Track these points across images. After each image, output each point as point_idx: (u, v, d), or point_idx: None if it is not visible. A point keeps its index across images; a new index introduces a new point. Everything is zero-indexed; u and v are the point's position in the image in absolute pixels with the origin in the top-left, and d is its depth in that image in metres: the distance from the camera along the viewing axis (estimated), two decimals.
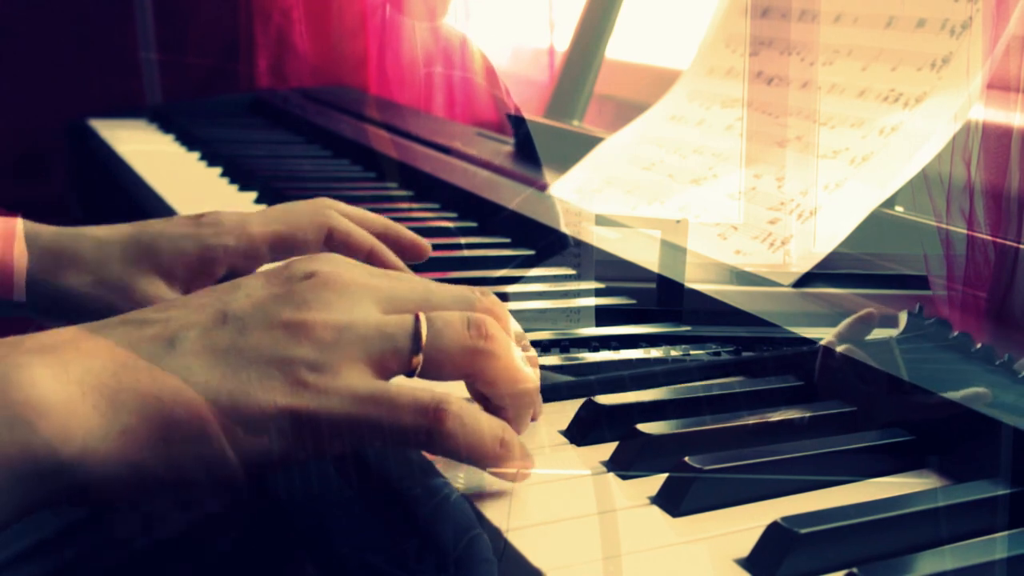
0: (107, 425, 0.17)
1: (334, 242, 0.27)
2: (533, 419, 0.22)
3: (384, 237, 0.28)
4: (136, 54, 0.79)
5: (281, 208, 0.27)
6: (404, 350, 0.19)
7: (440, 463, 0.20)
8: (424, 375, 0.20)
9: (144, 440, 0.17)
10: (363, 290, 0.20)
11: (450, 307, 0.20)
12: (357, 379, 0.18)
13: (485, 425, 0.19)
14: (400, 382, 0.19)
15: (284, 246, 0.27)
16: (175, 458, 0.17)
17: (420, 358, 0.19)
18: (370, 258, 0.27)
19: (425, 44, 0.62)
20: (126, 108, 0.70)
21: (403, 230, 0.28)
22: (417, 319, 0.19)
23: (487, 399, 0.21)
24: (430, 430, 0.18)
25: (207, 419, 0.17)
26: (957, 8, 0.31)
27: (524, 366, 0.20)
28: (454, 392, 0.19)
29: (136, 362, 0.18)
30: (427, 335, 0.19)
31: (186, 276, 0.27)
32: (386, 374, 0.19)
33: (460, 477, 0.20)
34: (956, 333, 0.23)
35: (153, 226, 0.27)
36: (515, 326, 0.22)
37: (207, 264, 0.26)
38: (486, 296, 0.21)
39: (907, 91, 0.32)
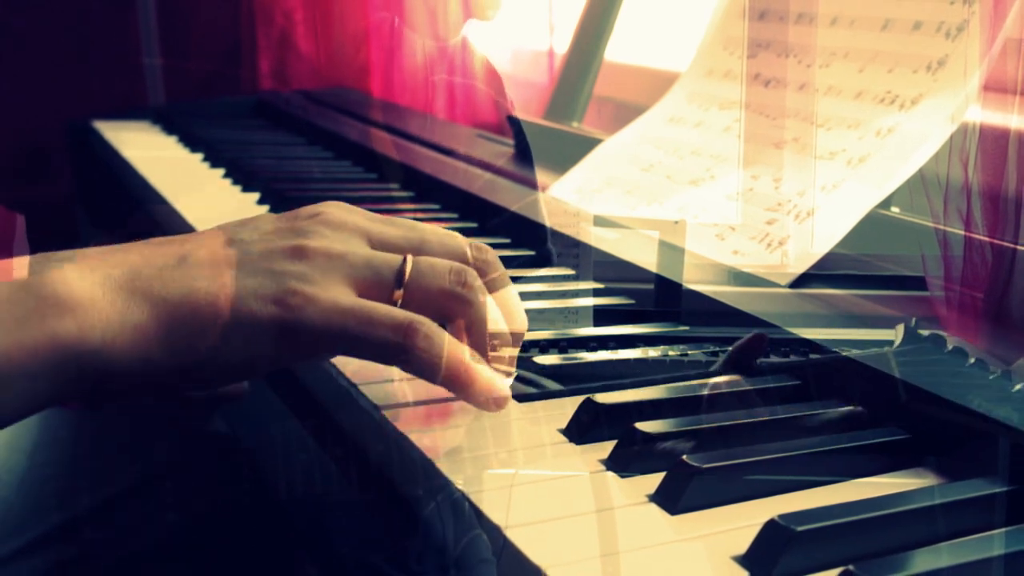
0: (122, 320, 0.19)
1: None
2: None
3: None
4: (139, 56, 0.79)
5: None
6: (387, 283, 0.21)
7: (441, 463, 0.21)
8: (405, 309, 0.21)
9: (153, 335, 0.20)
10: (361, 230, 0.22)
11: (441, 255, 0.22)
12: (341, 295, 0.21)
13: (454, 350, 0.21)
14: None
15: None
16: (179, 353, 0.20)
17: (401, 292, 0.21)
18: None
19: (426, 47, 0.63)
20: (129, 109, 0.70)
21: None
22: (404, 259, 0.21)
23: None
24: (402, 345, 0.20)
25: (207, 319, 0.20)
26: (953, 11, 0.32)
27: (497, 315, 0.22)
28: None
29: (151, 271, 0.20)
30: (410, 274, 0.21)
31: None
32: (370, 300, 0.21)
33: (460, 477, 0.20)
34: (951, 347, 0.23)
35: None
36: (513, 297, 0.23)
37: None
38: (481, 251, 0.23)
39: (903, 93, 0.32)
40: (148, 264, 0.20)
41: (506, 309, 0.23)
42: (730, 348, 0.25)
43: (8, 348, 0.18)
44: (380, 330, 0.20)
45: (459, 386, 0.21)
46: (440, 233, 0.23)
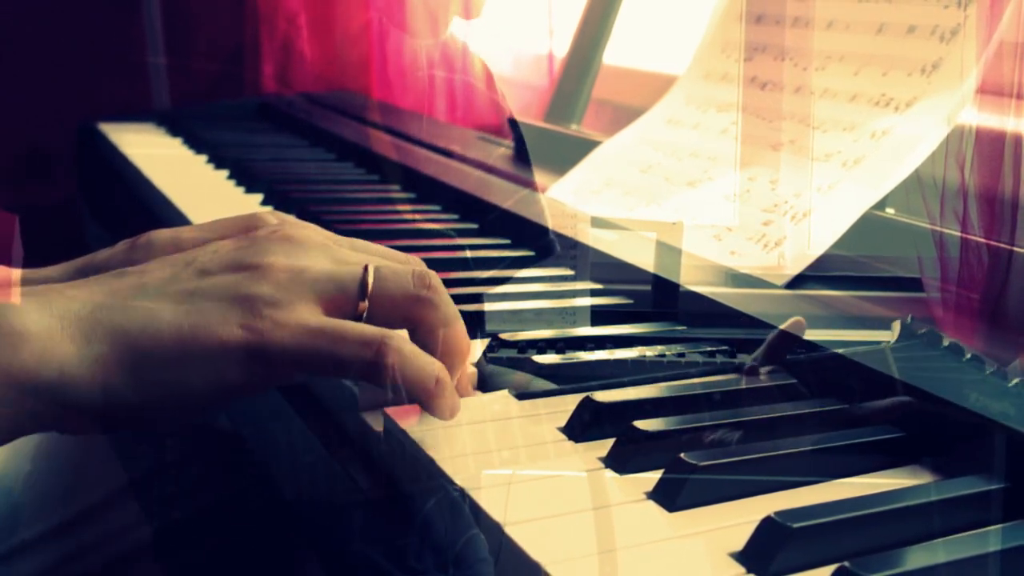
0: (81, 354, 0.19)
1: None
2: (461, 393, 0.23)
3: None
4: (144, 59, 0.80)
5: (214, 220, 0.28)
6: (352, 294, 0.21)
7: (441, 461, 0.21)
8: (370, 320, 0.21)
9: (115, 368, 0.19)
10: (320, 246, 0.22)
11: (393, 281, 0.22)
12: (308, 314, 0.20)
13: (423, 362, 0.21)
14: None
15: None
16: (143, 384, 0.19)
17: (366, 304, 0.21)
18: None
19: (427, 50, 0.63)
20: (135, 112, 0.70)
21: None
22: (365, 269, 0.21)
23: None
24: (373, 362, 0.20)
25: (170, 349, 0.19)
26: (946, 15, 0.32)
27: (459, 320, 0.22)
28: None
29: (111, 302, 0.20)
30: (373, 283, 0.21)
31: None
32: (336, 316, 0.21)
33: (459, 475, 0.20)
34: (948, 342, 0.23)
35: (96, 258, 0.28)
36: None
37: None
38: (426, 278, 0.22)
39: (898, 96, 0.32)
40: (109, 296, 0.20)
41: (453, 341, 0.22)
42: (767, 338, 0.25)
43: None
44: (352, 348, 0.20)
45: (426, 400, 0.21)
46: (391, 256, 0.23)
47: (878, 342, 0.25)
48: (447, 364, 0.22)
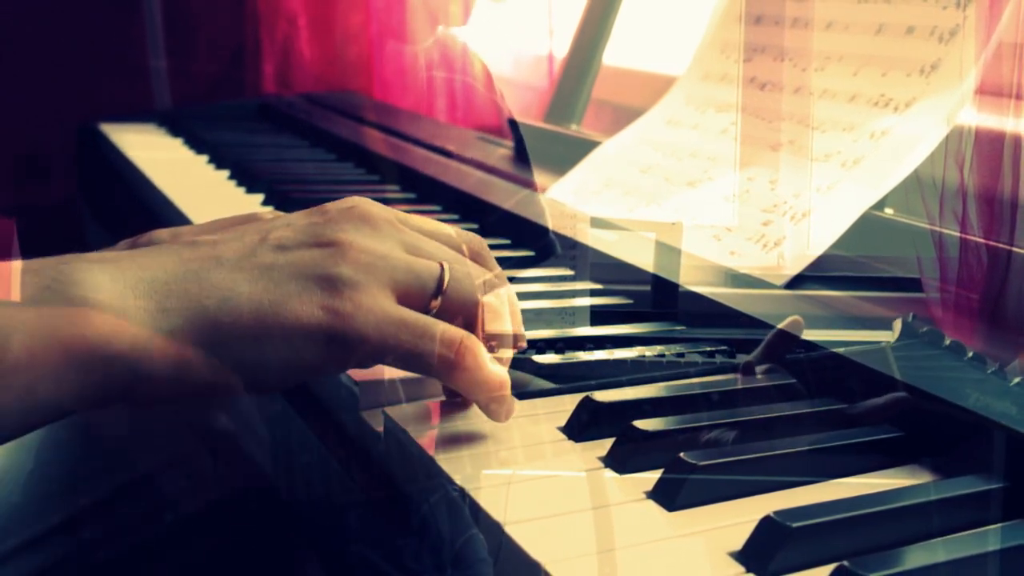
0: (156, 326, 0.19)
1: None
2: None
3: None
4: (145, 60, 0.80)
5: (213, 220, 0.28)
6: (428, 290, 0.21)
7: (441, 460, 0.21)
8: (436, 318, 0.21)
9: (189, 342, 0.19)
10: (394, 229, 0.22)
11: (461, 272, 0.22)
12: (388, 302, 0.20)
13: (495, 368, 0.21)
14: None
15: None
16: (217, 361, 0.19)
17: (439, 302, 0.21)
18: None
19: (427, 51, 0.63)
20: (136, 113, 0.70)
21: None
22: (443, 267, 0.21)
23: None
24: (453, 362, 0.20)
25: (249, 326, 0.19)
26: (945, 16, 0.32)
27: (510, 330, 0.22)
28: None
29: (186, 274, 0.19)
30: (448, 284, 0.21)
31: None
32: (407, 307, 0.21)
33: (459, 474, 0.20)
34: (949, 341, 0.23)
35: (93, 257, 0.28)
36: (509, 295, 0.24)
37: None
38: (492, 269, 0.23)
39: (897, 96, 0.32)
40: (183, 266, 0.19)
41: (512, 315, 0.23)
42: (766, 338, 0.25)
43: (33, 349, 0.17)
44: (434, 345, 0.20)
45: (491, 404, 0.21)
46: (443, 234, 0.23)
47: (878, 342, 0.25)
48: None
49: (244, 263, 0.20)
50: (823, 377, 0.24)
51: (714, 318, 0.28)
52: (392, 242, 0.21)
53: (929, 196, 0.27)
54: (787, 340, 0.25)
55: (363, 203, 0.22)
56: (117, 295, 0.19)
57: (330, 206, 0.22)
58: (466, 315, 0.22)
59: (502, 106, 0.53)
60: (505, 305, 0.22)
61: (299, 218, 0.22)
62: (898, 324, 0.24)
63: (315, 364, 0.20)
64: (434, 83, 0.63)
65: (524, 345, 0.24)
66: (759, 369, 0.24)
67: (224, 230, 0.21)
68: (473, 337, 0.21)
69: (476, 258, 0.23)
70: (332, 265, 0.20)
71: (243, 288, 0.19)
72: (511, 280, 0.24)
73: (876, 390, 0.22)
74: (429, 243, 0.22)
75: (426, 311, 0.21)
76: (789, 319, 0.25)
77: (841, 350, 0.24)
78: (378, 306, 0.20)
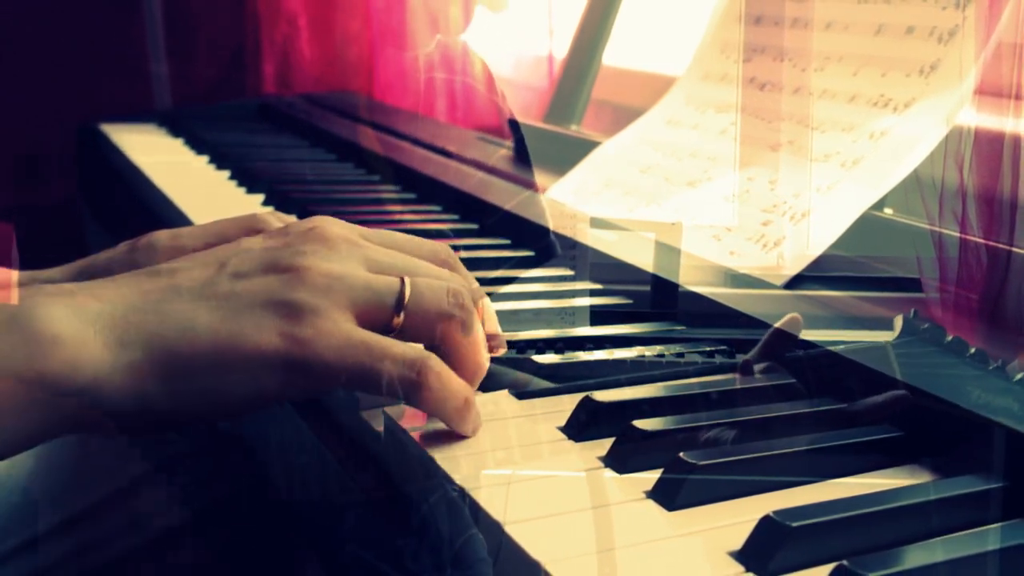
0: (115, 360, 0.19)
1: None
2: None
3: None
4: (145, 60, 0.80)
5: (214, 221, 0.28)
6: (388, 307, 0.21)
7: (440, 460, 0.21)
8: (401, 335, 0.21)
9: (149, 374, 0.19)
10: (354, 248, 0.22)
11: (435, 279, 0.22)
12: (349, 325, 0.20)
13: (457, 384, 0.21)
14: None
15: None
16: (178, 391, 0.19)
17: (401, 318, 0.21)
18: None
19: (427, 51, 0.63)
20: (136, 113, 0.70)
21: None
22: (403, 282, 0.21)
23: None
24: (414, 383, 0.20)
25: (208, 356, 0.19)
26: (944, 16, 0.32)
27: (482, 338, 0.22)
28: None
29: (145, 305, 0.19)
30: (409, 299, 0.21)
31: None
32: (368, 326, 0.20)
33: (458, 474, 0.20)
34: (951, 337, 0.23)
35: (98, 260, 0.28)
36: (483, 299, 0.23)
37: None
38: (467, 281, 0.23)
39: (896, 96, 0.32)
40: (141, 298, 0.19)
41: (488, 319, 0.23)
42: (764, 335, 0.25)
43: None
44: (395, 367, 0.20)
45: (455, 420, 0.21)
46: (418, 248, 0.23)
47: (878, 342, 0.25)
48: (467, 379, 0.22)
49: (203, 292, 0.20)
50: (822, 375, 0.24)
51: (714, 318, 0.28)
52: (353, 262, 0.21)
53: (929, 196, 0.27)
54: (785, 338, 0.25)
55: (322, 224, 0.22)
56: (77, 329, 0.19)
57: (291, 227, 0.22)
58: (433, 329, 0.21)
59: (503, 106, 0.53)
60: (474, 314, 0.22)
61: (258, 243, 0.22)
62: (899, 321, 0.24)
63: (277, 391, 0.20)
64: (434, 84, 0.63)
65: (504, 350, 0.24)
66: (757, 368, 0.24)
67: (188, 258, 0.21)
68: (434, 356, 0.20)
69: (445, 268, 0.23)
70: (290, 291, 0.20)
71: (202, 318, 0.19)
72: (511, 280, 0.24)
73: (876, 388, 0.22)
74: (392, 257, 0.22)
75: (390, 328, 0.21)
76: (787, 316, 0.25)
77: (841, 348, 0.24)
78: (338, 330, 0.20)
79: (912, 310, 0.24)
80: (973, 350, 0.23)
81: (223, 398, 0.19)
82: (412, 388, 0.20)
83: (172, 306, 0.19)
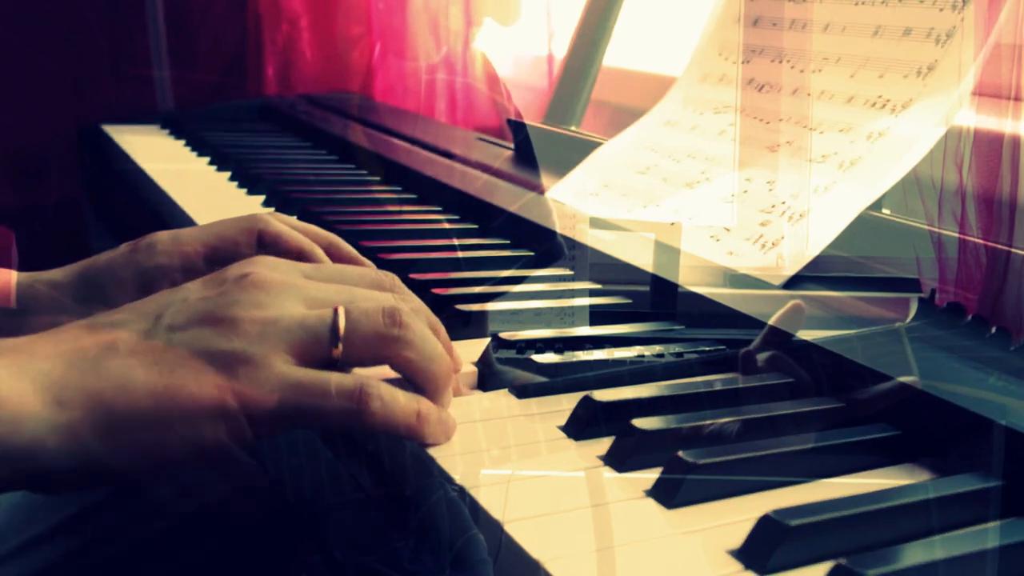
0: (54, 420, 0.19)
1: (265, 245, 0.28)
2: (456, 394, 0.23)
3: (329, 251, 0.29)
4: (147, 61, 0.80)
5: (214, 222, 0.28)
6: (324, 341, 0.21)
7: (439, 459, 0.21)
8: (345, 364, 0.21)
9: (89, 433, 0.19)
10: (290, 289, 0.22)
11: (370, 303, 0.22)
12: (285, 368, 0.20)
13: (403, 402, 0.21)
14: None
15: (217, 255, 0.28)
16: (119, 448, 0.19)
17: (340, 349, 0.21)
18: (300, 259, 0.28)
19: (428, 52, 0.63)
20: (138, 114, 0.70)
21: (347, 248, 0.29)
22: (336, 313, 0.21)
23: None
24: (356, 411, 0.20)
25: (146, 412, 0.19)
26: (942, 17, 0.32)
27: (437, 346, 0.22)
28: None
29: (83, 363, 0.19)
30: (344, 327, 0.21)
31: (131, 301, 0.27)
32: (311, 365, 0.21)
33: (458, 473, 0.20)
34: (970, 317, 0.23)
35: (99, 260, 0.28)
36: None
37: (147, 286, 0.27)
38: (403, 306, 0.22)
39: (894, 97, 0.32)
40: (80, 355, 0.19)
41: (437, 336, 0.22)
42: (766, 325, 0.25)
43: None
44: (333, 401, 0.20)
45: (413, 436, 0.21)
46: (364, 279, 0.22)
47: (891, 326, 0.24)
48: (429, 391, 0.21)
49: (139, 347, 0.20)
50: (827, 365, 0.24)
51: (712, 318, 0.29)
52: (290, 302, 0.21)
53: (928, 197, 0.27)
54: (789, 324, 0.25)
55: (257, 269, 0.22)
56: (16, 390, 0.19)
57: (228, 273, 0.22)
58: (376, 352, 0.21)
59: (507, 106, 0.54)
60: (416, 328, 0.21)
61: (195, 291, 0.22)
62: (915, 303, 0.24)
63: (218, 442, 0.20)
64: (435, 84, 0.63)
65: (459, 367, 0.23)
66: (760, 357, 0.24)
67: (127, 308, 0.21)
68: (372, 380, 0.20)
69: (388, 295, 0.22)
70: (224, 342, 0.20)
71: (138, 374, 0.19)
72: (512, 280, 0.24)
73: (882, 376, 0.22)
74: (328, 292, 0.22)
75: (332, 361, 0.21)
76: (790, 303, 0.25)
77: (851, 332, 0.23)
78: (274, 376, 0.20)
79: (931, 289, 0.24)
80: (993, 330, 0.22)
81: (165, 452, 0.19)
82: (355, 417, 0.20)
83: (110, 363, 0.19)
